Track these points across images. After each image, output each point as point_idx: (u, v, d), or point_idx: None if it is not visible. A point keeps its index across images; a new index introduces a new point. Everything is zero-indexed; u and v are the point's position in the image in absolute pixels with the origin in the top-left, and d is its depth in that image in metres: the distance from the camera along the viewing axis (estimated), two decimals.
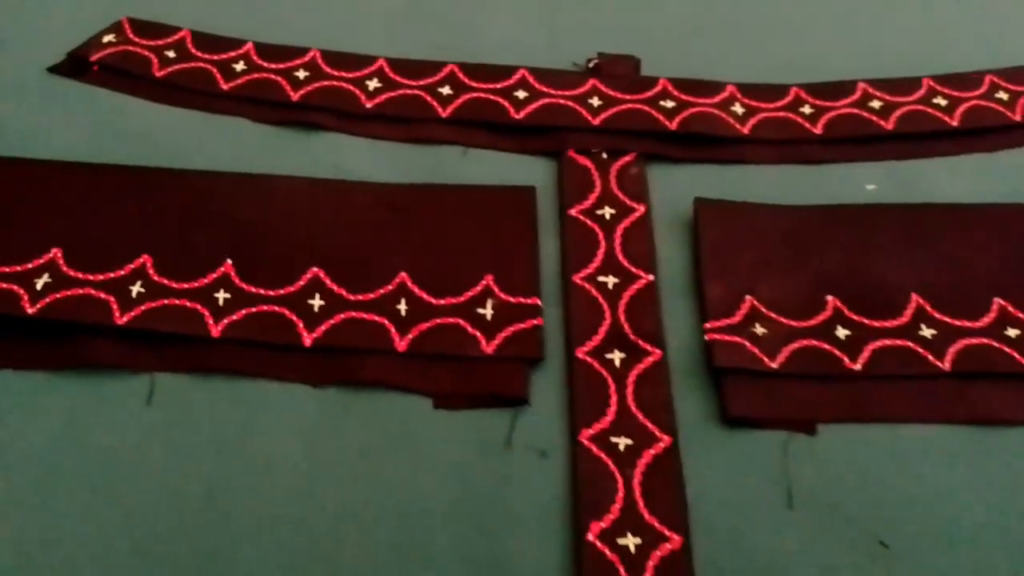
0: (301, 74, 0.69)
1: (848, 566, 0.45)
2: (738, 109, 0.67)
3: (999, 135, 0.67)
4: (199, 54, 0.71)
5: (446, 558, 0.45)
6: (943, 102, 0.68)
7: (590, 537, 0.45)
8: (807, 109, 0.67)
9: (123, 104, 0.68)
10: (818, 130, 0.66)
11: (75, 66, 0.70)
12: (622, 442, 0.49)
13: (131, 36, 0.71)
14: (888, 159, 0.65)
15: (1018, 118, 0.67)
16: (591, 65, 0.71)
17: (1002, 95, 0.68)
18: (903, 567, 0.45)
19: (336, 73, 0.70)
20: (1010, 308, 0.54)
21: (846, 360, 0.52)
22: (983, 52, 0.73)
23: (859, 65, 0.71)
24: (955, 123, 0.66)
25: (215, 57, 0.71)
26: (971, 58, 0.73)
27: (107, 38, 0.71)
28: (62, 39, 0.71)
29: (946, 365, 0.52)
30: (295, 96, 0.68)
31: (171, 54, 0.71)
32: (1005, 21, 0.77)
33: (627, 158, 0.64)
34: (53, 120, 0.66)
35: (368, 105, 0.68)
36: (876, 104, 0.67)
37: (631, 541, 0.45)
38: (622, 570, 0.44)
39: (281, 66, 0.70)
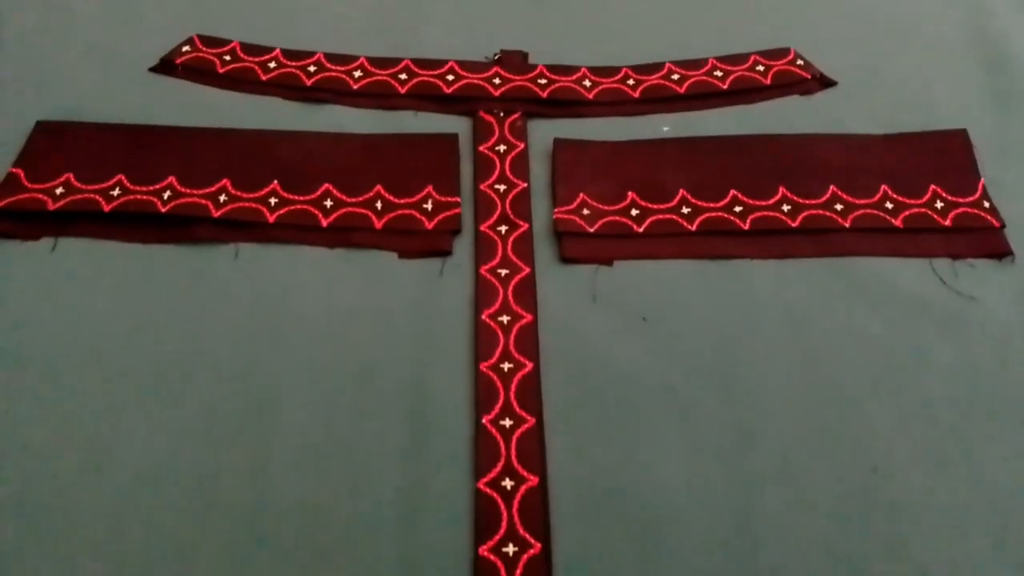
0: (311, 68, 0.88)
1: (620, 328, 0.71)
2: (587, 83, 0.88)
3: (755, 93, 0.89)
4: (245, 57, 0.90)
5: (406, 331, 0.71)
6: (719, 73, 0.90)
7: (483, 317, 0.72)
8: (631, 81, 0.89)
9: (199, 91, 0.87)
10: (636, 95, 0.88)
11: (166, 67, 0.88)
12: (503, 272, 0.74)
13: (200, 47, 0.90)
14: (680, 112, 0.87)
15: (768, 83, 0.89)
16: (496, 57, 0.90)
17: (760, 68, 0.90)
18: (654, 329, 0.71)
19: (333, 67, 0.89)
20: (739, 196, 0.79)
21: (634, 226, 0.77)
22: (752, 39, 0.94)
23: (668, 52, 0.91)
24: (725, 87, 0.89)
25: (256, 59, 0.89)
26: (742, 43, 0.93)
27: (184, 48, 0.90)
28: (156, 49, 0.90)
29: (694, 227, 0.77)
30: (308, 83, 0.87)
31: (227, 58, 0.89)
32: (766, 20, 0.97)
33: (515, 116, 0.85)
34: (156, 103, 0.85)
35: (355, 87, 0.87)
36: (676, 77, 0.89)
37: (504, 319, 0.71)
38: (500, 333, 0.70)
39: (298, 63, 0.89)
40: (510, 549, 0.61)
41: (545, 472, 0.64)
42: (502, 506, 0.62)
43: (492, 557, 0.60)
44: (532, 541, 0.61)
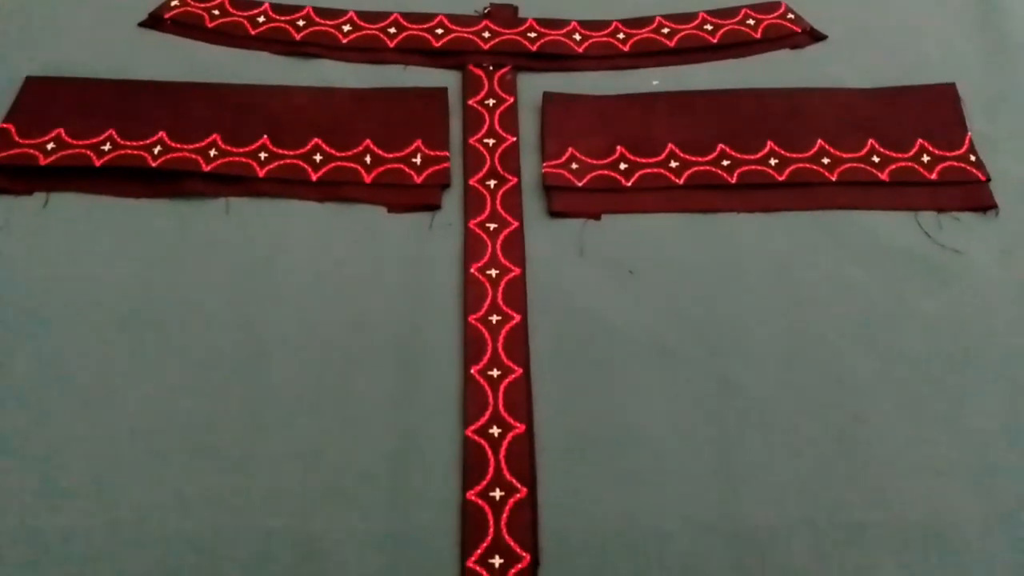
0: (300, 23, 0.88)
1: (607, 280, 0.72)
2: (577, 37, 0.88)
3: (745, 47, 0.89)
4: (234, 12, 0.89)
5: (396, 284, 0.71)
6: (710, 27, 0.89)
7: (471, 271, 0.72)
8: (621, 35, 0.88)
9: (188, 45, 0.87)
10: (627, 48, 0.87)
11: (154, 21, 0.88)
12: (492, 226, 0.75)
13: (189, 1, 0.89)
14: (669, 65, 0.87)
15: (759, 36, 0.89)
16: (486, 11, 0.90)
17: (751, 22, 0.90)
18: (638, 281, 0.72)
19: (322, 22, 0.89)
20: (727, 150, 0.79)
21: (622, 180, 0.78)
22: None
23: (658, 5, 0.91)
24: (715, 41, 0.88)
25: (245, 13, 0.89)
26: None
27: (173, 3, 0.89)
28: (145, 4, 0.89)
29: (682, 181, 0.78)
30: (298, 37, 0.87)
31: (216, 12, 0.89)
32: None
33: (504, 70, 0.85)
34: (145, 58, 0.85)
35: (344, 41, 0.87)
36: (666, 31, 0.89)
37: (493, 272, 0.72)
38: (488, 286, 0.71)
39: (287, 18, 0.89)
40: (497, 493, 0.62)
41: (531, 420, 0.65)
42: (489, 452, 0.64)
43: (479, 501, 0.62)
44: (518, 486, 0.62)
